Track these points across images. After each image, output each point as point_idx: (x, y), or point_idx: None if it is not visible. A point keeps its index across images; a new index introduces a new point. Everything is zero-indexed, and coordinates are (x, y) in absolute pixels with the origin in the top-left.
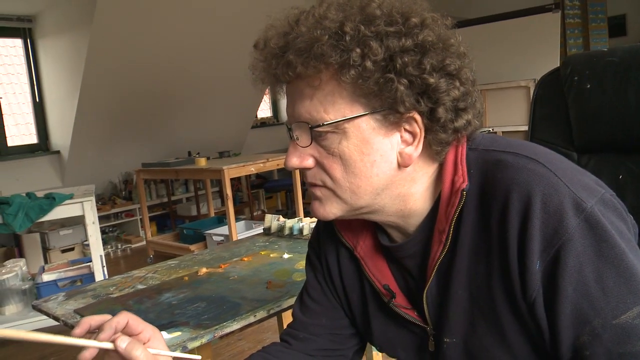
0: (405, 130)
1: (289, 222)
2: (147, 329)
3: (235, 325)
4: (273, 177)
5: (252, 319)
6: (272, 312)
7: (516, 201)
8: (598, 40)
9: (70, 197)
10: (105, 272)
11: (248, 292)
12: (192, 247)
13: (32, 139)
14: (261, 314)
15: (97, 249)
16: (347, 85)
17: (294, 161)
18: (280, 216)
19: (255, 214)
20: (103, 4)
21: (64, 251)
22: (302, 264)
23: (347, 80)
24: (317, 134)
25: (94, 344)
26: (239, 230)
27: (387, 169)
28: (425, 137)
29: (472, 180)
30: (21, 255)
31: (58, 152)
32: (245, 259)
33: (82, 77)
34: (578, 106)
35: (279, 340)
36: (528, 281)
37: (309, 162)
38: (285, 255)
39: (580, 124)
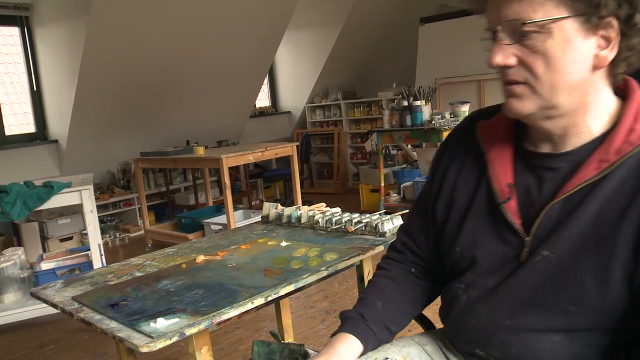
0: (601, 36)
1: (287, 210)
2: None
3: (233, 312)
4: (271, 166)
5: (249, 306)
6: (269, 299)
7: None
8: None
9: (69, 185)
10: (104, 261)
11: (246, 280)
12: (190, 236)
13: (30, 128)
14: (259, 301)
15: (95, 238)
16: None
17: (499, 58)
18: (279, 204)
19: (253, 203)
20: None
21: (62, 240)
22: (300, 252)
23: None
24: (523, 33)
25: None
26: (237, 219)
27: (583, 69)
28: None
29: None
30: (20, 244)
31: (56, 141)
32: (243, 246)
33: (80, 65)
34: None
35: (384, 260)
36: None
37: (512, 61)
38: (283, 243)
39: None
